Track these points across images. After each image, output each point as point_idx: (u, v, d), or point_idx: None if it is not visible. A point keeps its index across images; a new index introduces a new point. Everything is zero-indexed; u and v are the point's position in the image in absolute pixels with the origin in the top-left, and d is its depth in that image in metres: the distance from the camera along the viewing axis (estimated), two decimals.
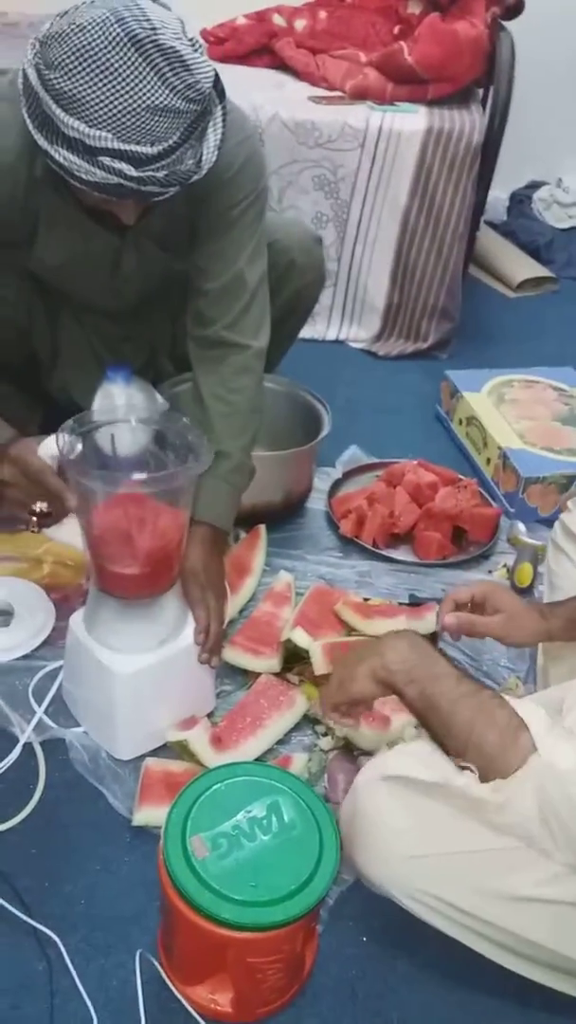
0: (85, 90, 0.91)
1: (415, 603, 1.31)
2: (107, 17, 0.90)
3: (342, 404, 1.54)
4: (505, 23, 2.04)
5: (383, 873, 0.83)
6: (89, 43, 0.90)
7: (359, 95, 2.01)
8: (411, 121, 1.91)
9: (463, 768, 0.79)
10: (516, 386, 1.76)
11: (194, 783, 0.84)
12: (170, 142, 0.95)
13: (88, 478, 0.95)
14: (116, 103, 0.91)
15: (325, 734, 1.11)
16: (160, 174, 0.96)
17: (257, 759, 1.05)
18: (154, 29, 0.91)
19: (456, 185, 1.92)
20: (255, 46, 2.21)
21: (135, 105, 0.91)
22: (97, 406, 1.35)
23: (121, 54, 0.90)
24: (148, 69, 0.90)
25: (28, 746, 1.05)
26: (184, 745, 1.01)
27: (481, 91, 2.12)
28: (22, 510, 1.05)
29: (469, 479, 1.55)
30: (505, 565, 1.43)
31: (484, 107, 2.06)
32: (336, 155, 1.92)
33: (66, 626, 1.07)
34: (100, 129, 0.92)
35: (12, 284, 1.30)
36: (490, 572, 1.43)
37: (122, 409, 1.33)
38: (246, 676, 1.17)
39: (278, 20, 2.25)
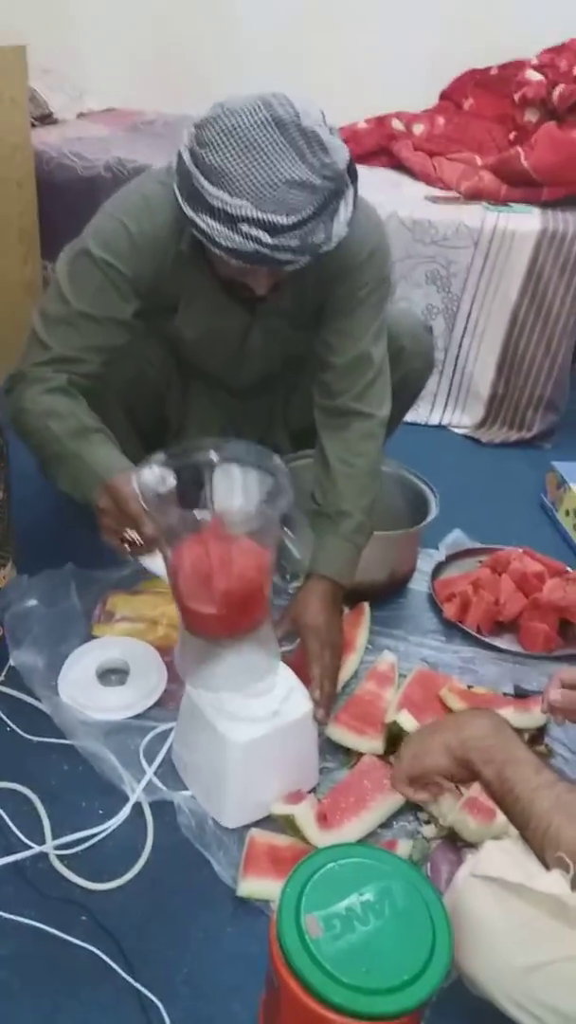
0: (230, 164, 1.00)
1: (521, 695, 1.29)
2: (255, 102, 1.01)
3: (445, 488, 1.56)
4: None
5: (488, 977, 0.80)
6: (237, 124, 1.00)
7: (474, 196, 2.09)
8: (525, 222, 1.97)
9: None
10: None
11: (308, 860, 0.84)
12: (304, 214, 1.02)
13: (162, 514, 0.97)
14: (257, 176, 1.00)
15: (428, 822, 1.09)
16: (293, 243, 1.03)
17: (360, 841, 1.04)
18: (296, 114, 1.01)
19: (568, 284, 1.96)
20: (374, 148, 2.34)
21: (274, 178, 1.00)
22: (216, 480, 1.41)
23: (265, 133, 1.00)
24: (288, 147, 1.00)
25: (137, 806, 1.08)
26: (290, 820, 1.02)
27: None
28: (115, 538, 1.08)
29: None
30: None
31: None
32: (450, 252, 2.00)
33: (177, 688, 1.10)
34: (241, 199, 1.00)
35: (157, 350, 1.41)
36: None
37: (239, 485, 1.39)
38: (348, 755, 1.18)
39: (397, 124, 2.38)
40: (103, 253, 1.16)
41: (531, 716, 1.20)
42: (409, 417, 2.12)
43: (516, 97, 2.22)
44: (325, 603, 1.22)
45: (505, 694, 1.30)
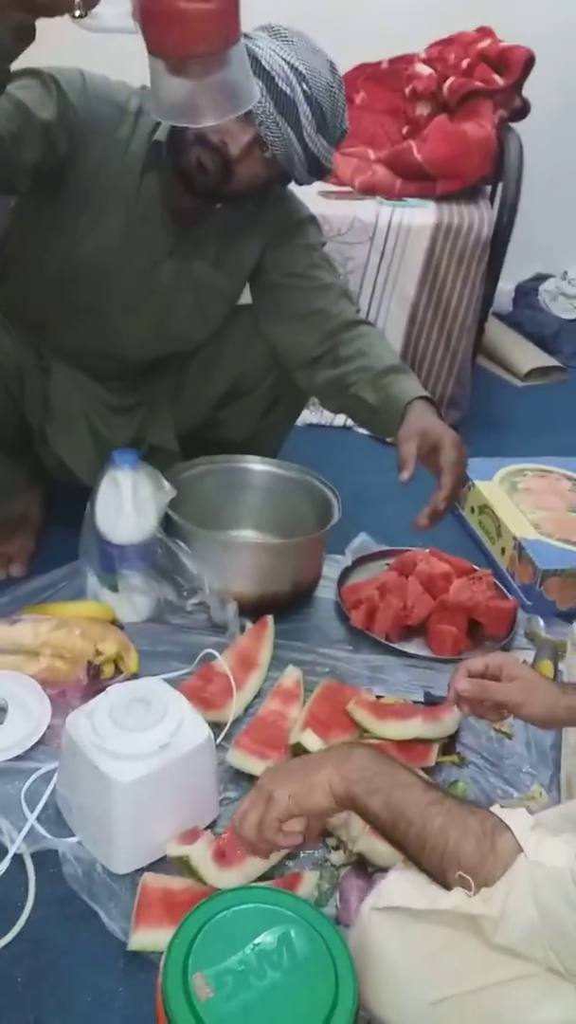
0: (298, 43, 1.18)
1: (431, 702, 1.25)
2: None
3: (351, 490, 1.52)
4: (512, 124, 2.10)
5: (395, 1015, 0.75)
6: (309, 38, 1.20)
7: (368, 190, 2.06)
8: (420, 216, 1.94)
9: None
10: (529, 475, 1.74)
11: (197, 910, 0.77)
12: (328, 117, 1.19)
13: None
14: (314, 64, 1.17)
15: (336, 848, 1.03)
16: (320, 112, 1.18)
17: (263, 876, 0.97)
18: (343, 81, 1.24)
19: (465, 278, 1.94)
20: None
21: (324, 76, 1.17)
22: (102, 492, 1.33)
23: (324, 56, 1.20)
24: (334, 76, 1.20)
25: (18, 857, 0.98)
26: (185, 861, 0.94)
27: (489, 187, 2.17)
28: None
29: (484, 570, 1.51)
30: (524, 661, 1.36)
31: (492, 202, 2.11)
32: (346, 248, 1.95)
33: (62, 725, 1.01)
34: (298, 61, 1.16)
35: (2, 336, 1.31)
36: None
37: (127, 495, 1.31)
38: (252, 781, 1.10)
39: None
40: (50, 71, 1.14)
41: (442, 725, 1.16)
42: (313, 419, 2.08)
43: (407, 91, 2.19)
44: (439, 416, 1.30)
45: (415, 702, 1.25)
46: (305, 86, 1.16)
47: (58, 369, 1.39)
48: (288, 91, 1.15)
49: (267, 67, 1.15)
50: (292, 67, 1.16)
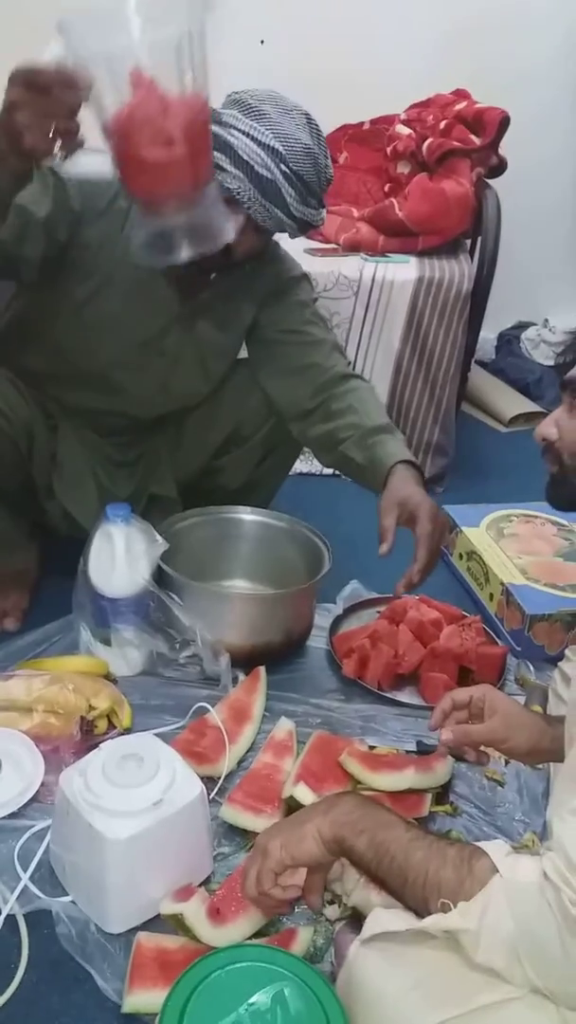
0: (266, 109, 1.19)
1: (423, 751, 1.25)
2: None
3: (341, 538, 1.53)
4: (489, 181, 2.18)
5: None
6: (279, 97, 1.22)
7: (352, 247, 2.12)
8: (403, 271, 2.00)
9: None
10: (515, 521, 1.76)
11: (191, 970, 0.77)
12: (309, 182, 1.21)
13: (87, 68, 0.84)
14: (285, 127, 1.19)
15: (331, 902, 1.02)
16: (298, 187, 1.20)
17: (258, 933, 0.96)
18: (320, 129, 1.24)
19: (447, 329, 1.99)
20: None
21: (298, 137, 1.19)
22: (95, 546, 1.34)
23: (298, 112, 1.21)
24: (310, 131, 1.21)
25: (11, 918, 0.97)
26: (179, 919, 0.94)
27: (468, 241, 2.24)
28: (41, 136, 0.87)
29: (473, 616, 1.52)
30: None
31: (472, 255, 2.17)
32: (331, 303, 2.00)
33: (56, 781, 1.01)
34: (270, 132, 1.18)
35: (13, 393, 1.35)
36: None
37: (120, 549, 1.33)
38: (245, 836, 1.10)
39: None
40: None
41: (434, 775, 1.16)
42: (303, 468, 2.11)
43: (388, 150, 2.27)
44: (419, 484, 1.31)
45: (408, 752, 1.26)
46: (284, 166, 1.19)
47: (65, 426, 1.43)
48: (268, 175, 1.18)
49: (245, 158, 1.18)
50: (269, 149, 1.18)
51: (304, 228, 1.29)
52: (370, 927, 0.79)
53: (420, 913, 0.75)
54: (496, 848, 0.73)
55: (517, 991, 0.70)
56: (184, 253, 0.96)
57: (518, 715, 1.01)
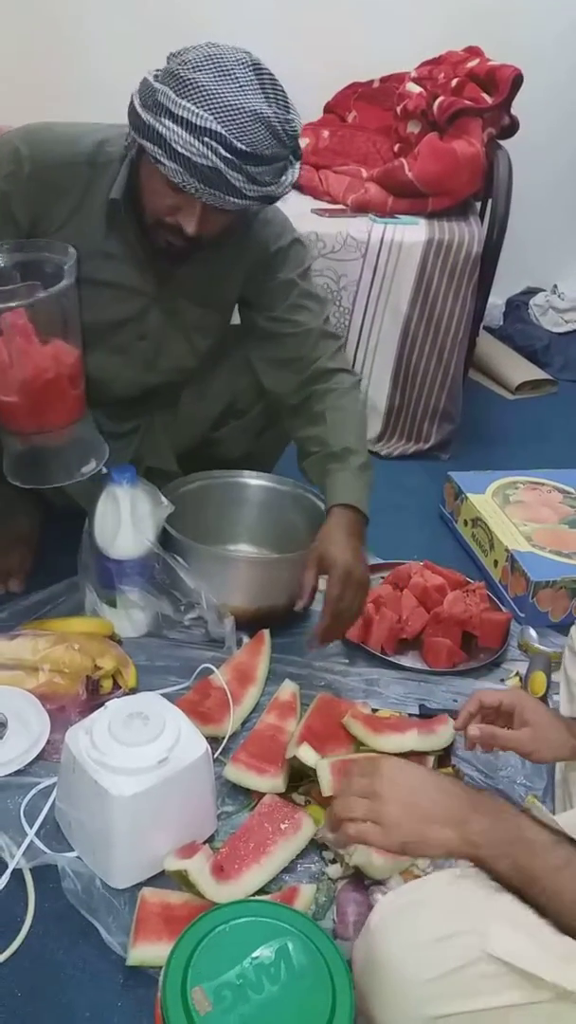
0: (203, 81, 1.04)
1: (426, 715, 1.26)
2: (239, 48, 1.09)
3: None
4: (501, 142, 2.13)
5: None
6: (218, 53, 1.07)
7: (361, 208, 2.08)
8: (412, 233, 1.96)
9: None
10: (521, 488, 1.75)
11: (196, 925, 0.78)
12: (261, 150, 1.07)
13: None
14: (228, 97, 1.05)
15: (333, 861, 1.04)
16: (248, 169, 1.07)
17: (261, 890, 0.98)
18: (272, 75, 1.09)
19: (456, 293, 1.96)
20: None
21: (243, 106, 1.05)
22: (100, 508, 1.34)
23: (241, 68, 1.07)
24: (259, 87, 1.07)
25: (17, 872, 0.98)
26: (183, 875, 0.95)
27: (479, 204, 2.20)
28: None
29: (477, 582, 1.52)
30: (518, 673, 1.38)
31: (482, 218, 2.14)
32: (339, 265, 1.97)
33: (62, 739, 1.02)
34: (208, 113, 1.04)
35: None
36: (502, 680, 1.38)
37: (126, 510, 1.32)
38: (249, 796, 1.11)
39: None
40: None
41: (437, 737, 1.17)
42: None
43: (398, 109, 2.22)
44: (351, 533, 1.21)
45: (410, 715, 1.26)
46: (225, 150, 1.05)
47: None
48: (209, 164, 1.06)
49: (180, 150, 1.06)
50: (206, 133, 1.05)
51: (269, 201, 1.17)
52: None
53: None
54: None
55: (546, 995, 0.68)
56: (58, 478, 1.14)
57: (547, 727, 0.97)
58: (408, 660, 1.40)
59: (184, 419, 1.51)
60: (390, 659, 1.39)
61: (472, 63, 2.16)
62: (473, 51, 2.22)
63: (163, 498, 1.35)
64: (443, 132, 2.09)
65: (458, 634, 1.42)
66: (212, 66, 1.05)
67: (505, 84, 2.08)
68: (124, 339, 1.33)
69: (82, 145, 1.20)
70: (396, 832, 0.76)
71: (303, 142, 2.33)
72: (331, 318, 1.43)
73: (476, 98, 2.08)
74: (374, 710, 1.25)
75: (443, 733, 1.17)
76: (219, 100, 1.04)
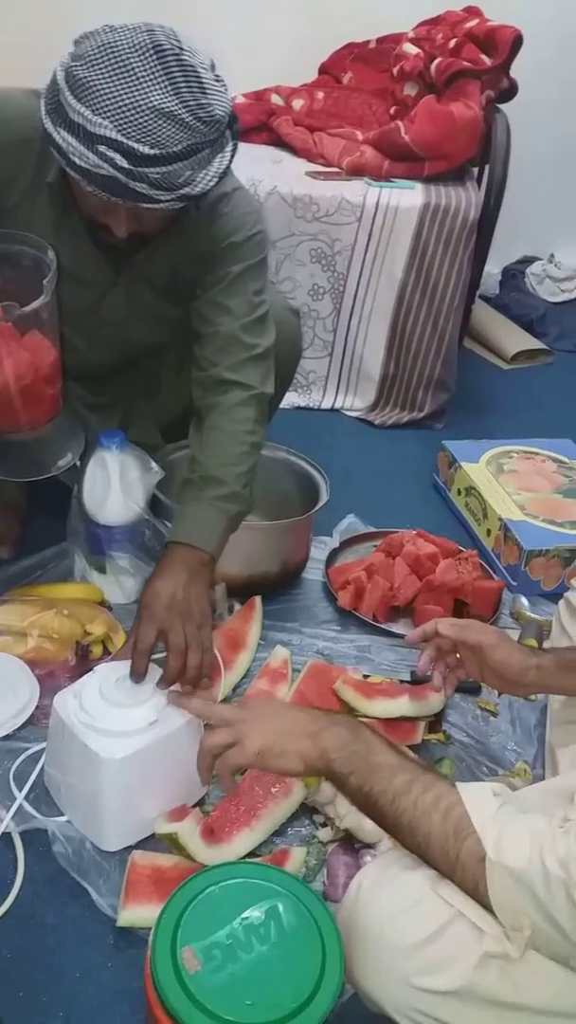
0: (98, 80, 0.95)
1: (417, 681, 1.25)
2: (139, 26, 0.97)
3: (339, 473, 1.52)
4: (500, 105, 2.09)
5: (382, 993, 0.75)
6: (114, 41, 0.96)
7: (356, 171, 2.04)
8: (408, 197, 1.93)
9: None
10: (515, 457, 1.74)
11: (186, 885, 0.78)
12: (168, 149, 0.97)
13: None
14: (124, 98, 0.95)
15: (324, 824, 1.04)
16: (152, 176, 0.98)
17: (252, 853, 0.98)
18: (180, 49, 0.97)
19: (452, 260, 1.93)
20: (253, 123, 2.24)
21: (141, 104, 0.95)
22: (89, 473, 1.32)
23: (140, 56, 0.95)
24: (162, 76, 0.95)
25: (6, 836, 0.98)
26: (174, 838, 0.95)
27: (476, 169, 2.16)
28: None
29: (470, 550, 1.52)
30: None
31: (479, 184, 2.10)
32: (333, 229, 1.94)
33: (51, 705, 1.01)
34: (103, 119, 0.95)
35: None
36: None
37: (115, 476, 1.31)
38: None
39: (276, 99, 2.30)
40: None
41: (428, 703, 1.16)
42: (301, 402, 2.08)
43: (395, 71, 2.17)
44: (175, 569, 1.07)
45: (402, 681, 1.26)
46: (120, 158, 0.96)
47: None
48: (110, 174, 0.98)
49: (80, 163, 0.98)
50: (102, 140, 0.96)
51: (189, 200, 1.06)
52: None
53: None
54: (480, 811, 0.71)
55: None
56: (17, 472, 1.19)
57: (506, 642, 1.00)
58: (400, 628, 1.39)
59: (167, 390, 1.47)
60: (382, 626, 1.39)
61: (471, 23, 2.11)
62: (472, 11, 2.17)
63: (153, 464, 1.33)
64: (440, 94, 2.05)
65: (450, 602, 1.41)
66: (106, 60, 0.95)
67: (505, 45, 2.04)
68: (87, 324, 1.28)
69: (37, 119, 1.05)
70: (251, 742, 0.81)
71: (298, 103, 2.29)
72: (264, 327, 1.26)
73: (475, 59, 2.04)
74: (365, 676, 1.25)
75: (434, 700, 1.17)
76: (115, 101, 0.94)
